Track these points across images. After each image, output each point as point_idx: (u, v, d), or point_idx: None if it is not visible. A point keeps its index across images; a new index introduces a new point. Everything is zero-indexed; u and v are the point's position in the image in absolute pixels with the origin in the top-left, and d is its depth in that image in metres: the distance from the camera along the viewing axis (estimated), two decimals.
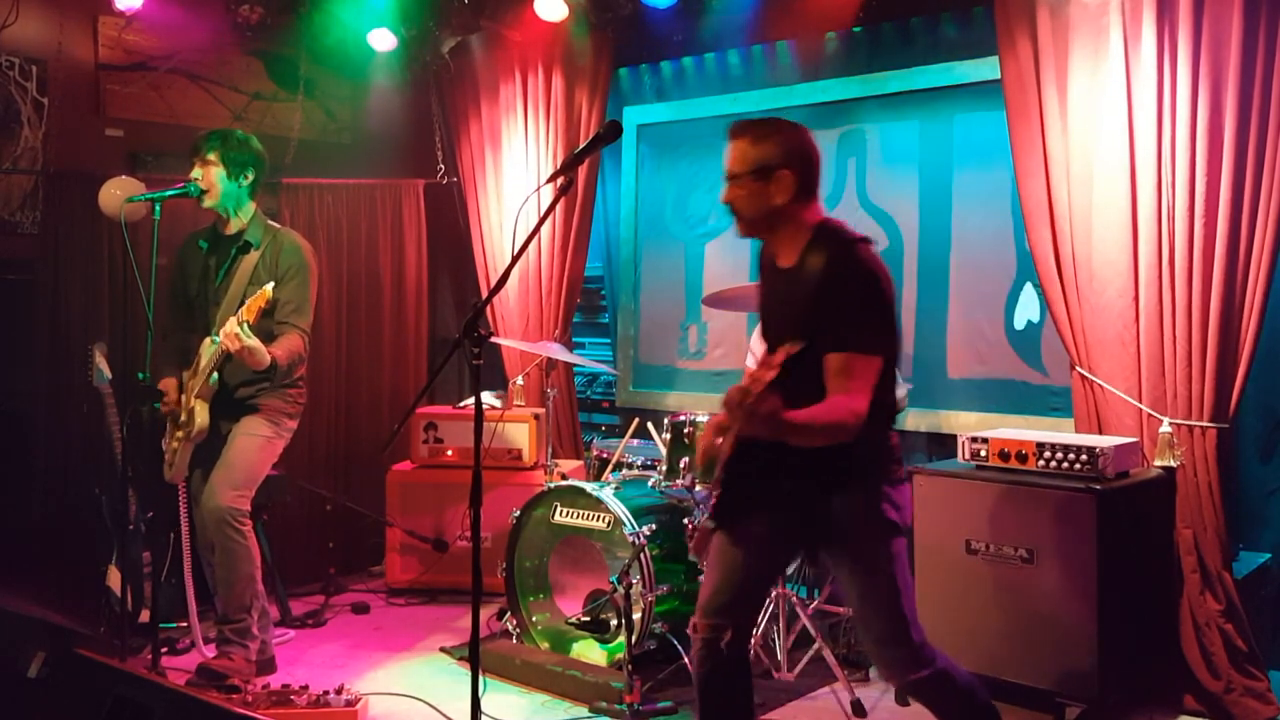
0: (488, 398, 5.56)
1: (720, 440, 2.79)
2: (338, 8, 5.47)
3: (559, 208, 5.20)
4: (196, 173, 4.10)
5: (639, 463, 4.75)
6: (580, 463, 5.50)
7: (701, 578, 3.02)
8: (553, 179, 3.03)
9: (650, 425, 4.87)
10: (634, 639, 3.78)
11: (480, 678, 2.84)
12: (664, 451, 4.25)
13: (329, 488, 5.64)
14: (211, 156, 4.09)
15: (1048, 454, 3.75)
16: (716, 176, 6.00)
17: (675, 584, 4.26)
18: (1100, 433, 4.06)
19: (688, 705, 3.87)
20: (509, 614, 4.48)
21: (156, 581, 4.26)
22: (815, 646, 4.06)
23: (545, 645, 4.40)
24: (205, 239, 4.26)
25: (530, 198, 5.06)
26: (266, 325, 4.00)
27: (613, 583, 3.87)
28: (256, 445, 4.13)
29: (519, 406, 5.49)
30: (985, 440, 3.89)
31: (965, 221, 4.98)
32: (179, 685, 3.45)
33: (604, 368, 5.79)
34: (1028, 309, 4.82)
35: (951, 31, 5.00)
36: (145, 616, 4.40)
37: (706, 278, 5.84)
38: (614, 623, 3.92)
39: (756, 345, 4.88)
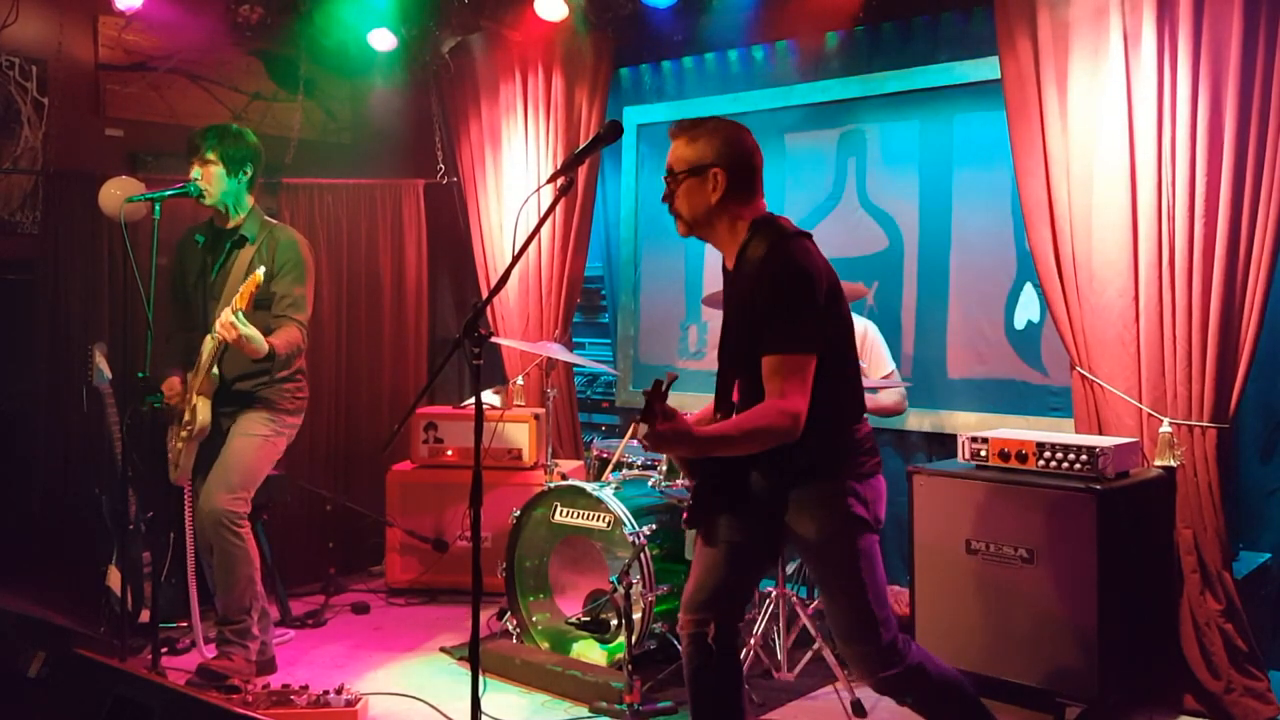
0: (488, 395, 5.56)
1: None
2: (338, 8, 5.47)
3: (559, 208, 5.20)
4: (196, 172, 4.10)
5: (639, 463, 4.75)
6: (580, 463, 5.50)
7: None
8: (553, 179, 3.03)
9: None
10: (634, 639, 3.78)
11: (480, 678, 2.84)
12: None
13: (329, 488, 5.64)
14: (211, 155, 4.09)
15: (1048, 454, 3.75)
16: None
17: (675, 584, 4.25)
18: (1100, 433, 4.05)
19: (687, 705, 3.86)
20: (509, 614, 4.48)
21: (156, 581, 4.25)
22: (815, 646, 4.06)
23: (545, 645, 4.40)
24: (202, 233, 4.26)
25: (530, 198, 5.02)
26: (264, 319, 4.00)
27: (613, 583, 3.87)
28: (254, 445, 4.12)
29: (519, 406, 5.49)
30: (985, 440, 3.89)
31: (965, 221, 4.98)
32: (179, 685, 3.45)
33: (604, 368, 5.79)
34: (1028, 309, 4.82)
35: (951, 31, 5.00)
36: (145, 616, 4.40)
37: (706, 278, 5.84)
38: (614, 623, 3.92)
39: None
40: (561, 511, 4.38)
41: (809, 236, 2.85)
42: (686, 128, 2.90)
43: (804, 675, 4.13)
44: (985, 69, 4.73)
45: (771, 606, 4.18)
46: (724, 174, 2.83)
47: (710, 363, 5.83)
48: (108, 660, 3.25)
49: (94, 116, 5.35)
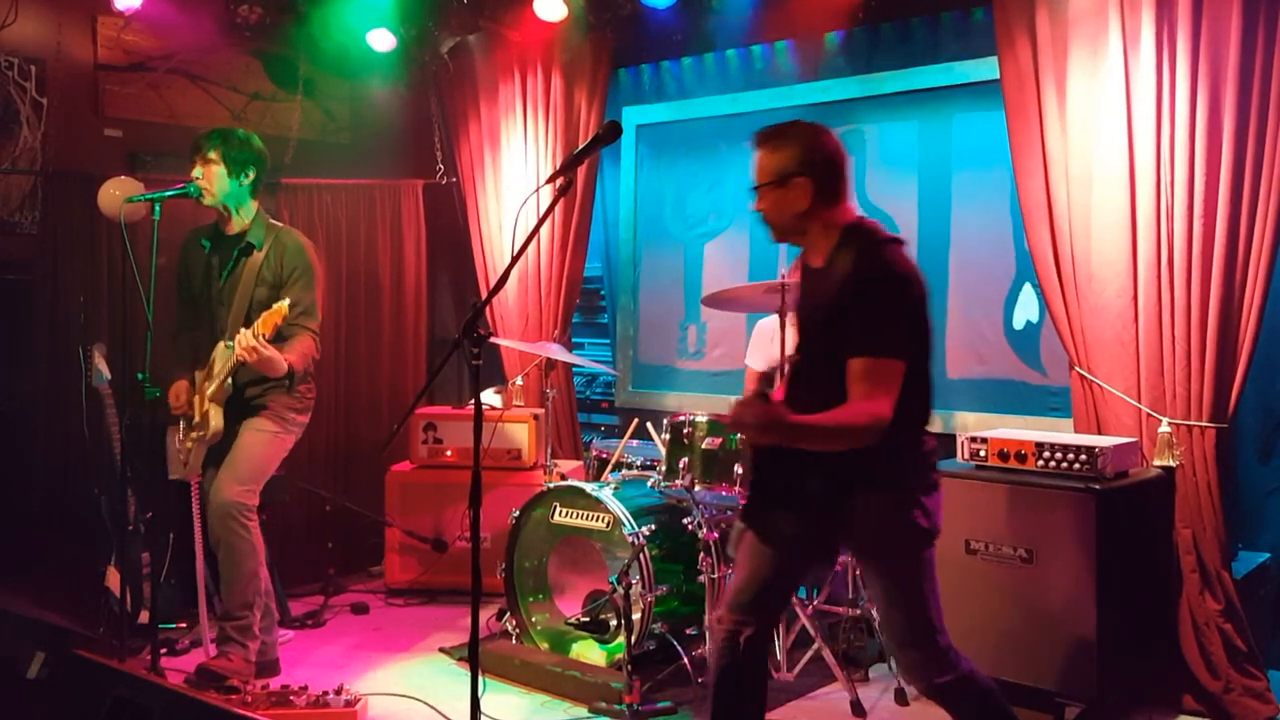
0: (490, 395, 5.56)
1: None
2: (337, 8, 5.48)
3: (558, 208, 5.20)
4: (197, 171, 4.10)
5: (638, 463, 4.75)
6: (580, 463, 5.50)
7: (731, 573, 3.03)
8: (552, 179, 3.04)
9: (649, 425, 4.87)
10: (633, 639, 3.78)
11: (480, 678, 2.84)
12: (663, 452, 4.24)
13: (328, 488, 5.64)
14: (213, 155, 4.09)
15: (1047, 454, 3.75)
16: (716, 177, 6.07)
17: (674, 584, 4.26)
18: (1099, 433, 4.06)
19: (687, 705, 3.87)
20: (508, 614, 4.48)
21: (155, 582, 4.25)
22: (815, 646, 4.06)
23: (545, 645, 4.40)
24: (207, 238, 4.26)
25: (529, 198, 5.06)
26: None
27: (612, 583, 3.87)
28: (264, 441, 4.14)
29: (518, 407, 5.49)
30: (984, 440, 3.89)
31: (964, 222, 4.98)
32: (178, 686, 3.45)
33: (603, 368, 5.79)
34: (1027, 309, 4.82)
35: (951, 31, 5.00)
36: (144, 617, 4.40)
37: (705, 278, 5.85)
38: (613, 623, 3.92)
39: (756, 345, 4.89)
40: (561, 512, 4.38)
41: (902, 243, 2.83)
42: (768, 137, 2.86)
43: (804, 675, 4.13)
44: (984, 69, 4.73)
45: None
46: (810, 181, 2.79)
47: (709, 363, 5.84)
48: (107, 661, 3.25)
49: (93, 116, 5.35)
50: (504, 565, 4.44)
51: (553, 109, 5.69)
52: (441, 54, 5.91)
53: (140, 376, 3.91)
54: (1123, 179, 3.96)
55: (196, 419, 4.13)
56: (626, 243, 6.17)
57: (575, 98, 5.66)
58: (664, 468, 4.22)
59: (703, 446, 4.10)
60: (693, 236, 5.95)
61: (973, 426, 4.69)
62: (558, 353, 4.97)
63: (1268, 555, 4.26)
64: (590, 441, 5.51)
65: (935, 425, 2.89)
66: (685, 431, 4.16)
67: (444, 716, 3.84)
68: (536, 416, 5.31)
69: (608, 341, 6.34)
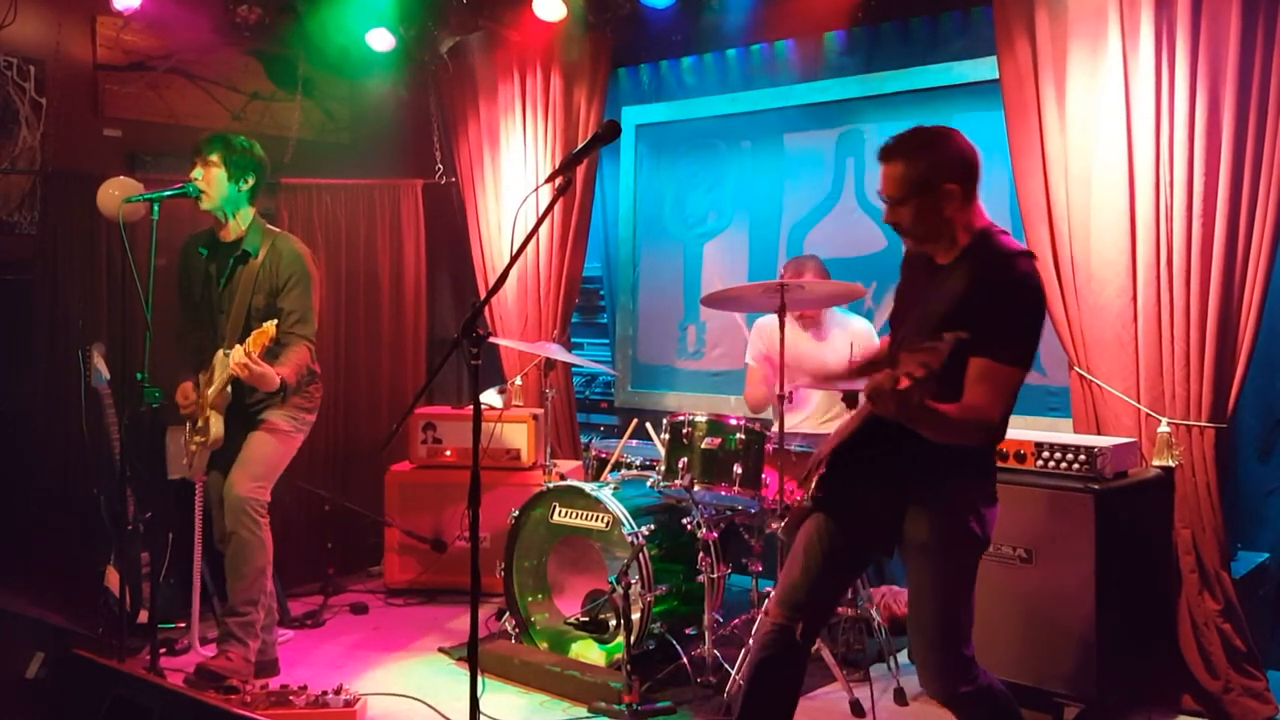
0: (491, 395, 5.56)
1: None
2: (336, 8, 5.47)
3: (557, 207, 5.20)
4: (197, 172, 4.10)
5: (637, 463, 4.75)
6: (579, 463, 5.50)
7: (782, 565, 3.03)
8: (551, 179, 3.03)
9: (649, 425, 4.87)
10: (633, 639, 3.78)
11: (479, 678, 2.84)
12: (662, 451, 4.24)
13: (328, 488, 5.64)
14: (214, 157, 4.09)
15: (1046, 454, 3.75)
16: (715, 176, 6.06)
17: (674, 584, 4.26)
18: (1098, 433, 4.06)
19: (686, 705, 3.87)
20: (508, 614, 4.48)
21: (155, 582, 4.26)
22: (814, 646, 4.05)
23: (544, 645, 4.40)
24: (204, 244, 4.25)
25: (529, 197, 5.05)
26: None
27: (611, 583, 3.87)
28: (276, 439, 4.17)
29: (517, 407, 5.49)
30: None
31: None
32: (177, 686, 3.45)
33: (602, 368, 5.78)
34: None
35: (950, 31, 5.00)
36: (144, 617, 4.40)
37: (705, 277, 5.85)
38: (613, 623, 3.92)
39: (755, 344, 4.89)
40: (560, 512, 4.38)
41: (1035, 256, 2.82)
42: (903, 148, 2.80)
43: None
44: (984, 69, 4.73)
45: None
46: (958, 186, 2.77)
47: (709, 363, 5.84)
48: (106, 661, 3.25)
49: (92, 116, 5.35)
50: (503, 565, 4.45)
51: (552, 109, 5.69)
52: (441, 54, 5.91)
53: (139, 376, 3.91)
54: (1122, 179, 3.96)
55: (200, 423, 4.14)
56: (626, 242, 6.17)
57: (575, 97, 5.66)
58: (663, 468, 4.22)
59: (702, 446, 4.10)
60: (692, 236, 5.95)
61: None
62: (557, 352, 4.97)
63: (1267, 555, 4.26)
64: (589, 441, 5.51)
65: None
66: (684, 431, 4.16)
67: (443, 716, 3.84)
68: (536, 416, 5.30)
69: (607, 341, 6.34)
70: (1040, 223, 4.19)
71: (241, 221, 4.19)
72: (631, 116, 6.08)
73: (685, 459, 4.09)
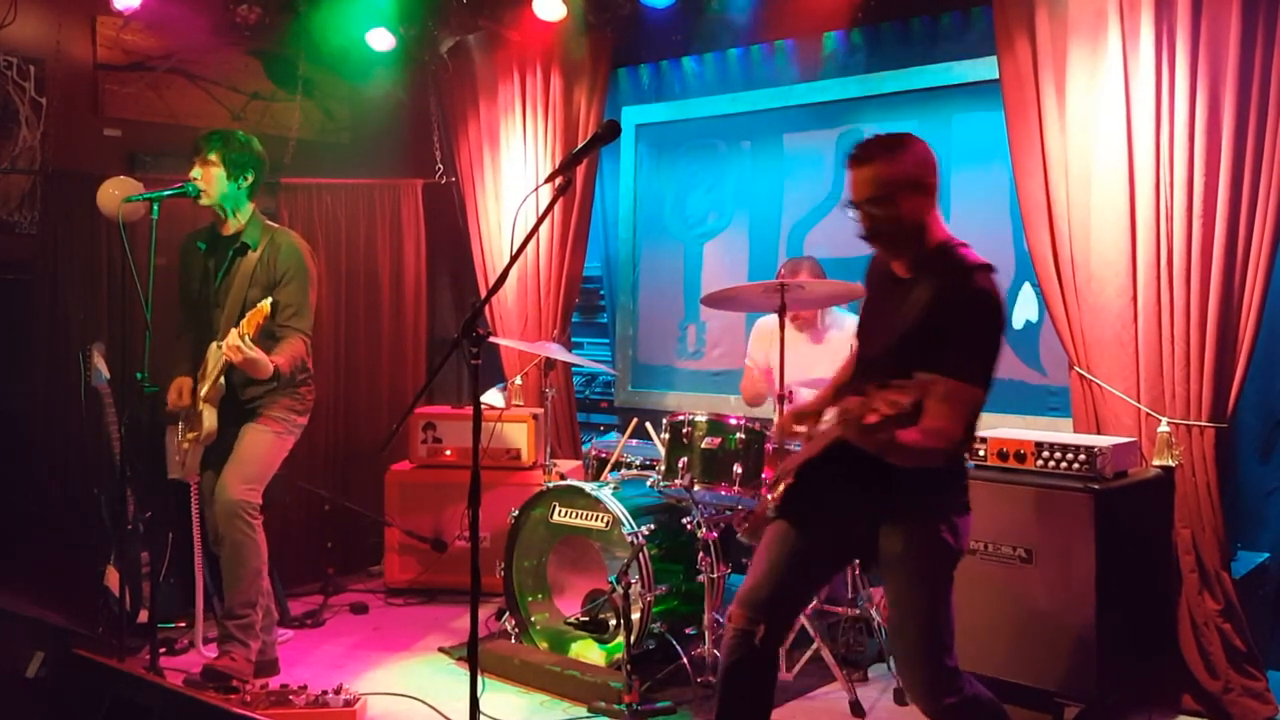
0: (492, 394, 5.56)
1: (805, 435, 2.79)
2: (336, 7, 5.47)
3: (558, 207, 5.20)
4: (196, 172, 4.10)
5: (637, 462, 4.75)
6: (579, 463, 5.50)
7: (748, 567, 3.01)
8: (551, 179, 3.03)
9: (649, 425, 4.87)
10: (633, 639, 3.78)
11: (479, 678, 2.84)
12: (662, 451, 4.25)
13: (328, 488, 5.64)
14: (213, 157, 4.09)
15: (1046, 454, 3.75)
16: (715, 176, 6.06)
17: (674, 584, 4.26)
18: (1098, 432, 4.05)
19: (686, 705, 3.87)
20: (508, 614, 4.48)
21: (155, 581, 4.26)
22: (814, 646, 4.06)
23: (544, 645, 4.40)
24: (204, 240, 4.26)
25: (529, 197, 5.05)
26: (268, 328, 4.00)
27: (611, 583, 3.87)
28: (267, 441, 4.16)
29: (517, 406, 5.49)
30: (984, 440, 3.89)
31: (964, 221, 4.96)
32: (177, 686, 3.45)
33: (602, 367, 5.79)
34: (1026, 309, 4.82)
35: (950, 31, 5.00)
36: (144, 617, 4.40)
37: (705, 277, 5.85)
38: (612, 623, 3.92)
39: (755, 344, 4.89)
40: (560, 511, 4.38)
41: (994, 269, 2.79)
42: (879, 149, 2.78)
43: (803, 675, 4.13)
44: (983, 69, 4.73)
45: None
46: (932, 186, 2.78)
47: (709, 362, 5.84)
48: (106, 660, 3.25)
49: (92, 116, 5.35)
50: (503, 565, 4.45)
51: (552, 109, 5.69)
52: (441, 54, 5.90)
53: (139, 376, 3.91)
54: (1122, 179, 3.95)
55: (193, 419, 4.13)
56: (626, 242, 6.17)
57: (575, 97, 5.66)
58: (663, 467, 4.22)
59: (702, 446, 4.10)
60: (692, 236, 5.95)
61: None
62: (557, 352, 4.97)
63: (1267, 555, 4.26)
64: (589, 441, 5.51)
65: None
66: (684, 431, 4.16)
67: (443, 716, 3.84)
68: (536, 416, 5.30)
69: (607, 341, 6.34)
70: (1040, 222, 4.19)
71: (242, 217, 4.20)
72: (631, 116, 6.08)
73: (685, 459, 4.10)
